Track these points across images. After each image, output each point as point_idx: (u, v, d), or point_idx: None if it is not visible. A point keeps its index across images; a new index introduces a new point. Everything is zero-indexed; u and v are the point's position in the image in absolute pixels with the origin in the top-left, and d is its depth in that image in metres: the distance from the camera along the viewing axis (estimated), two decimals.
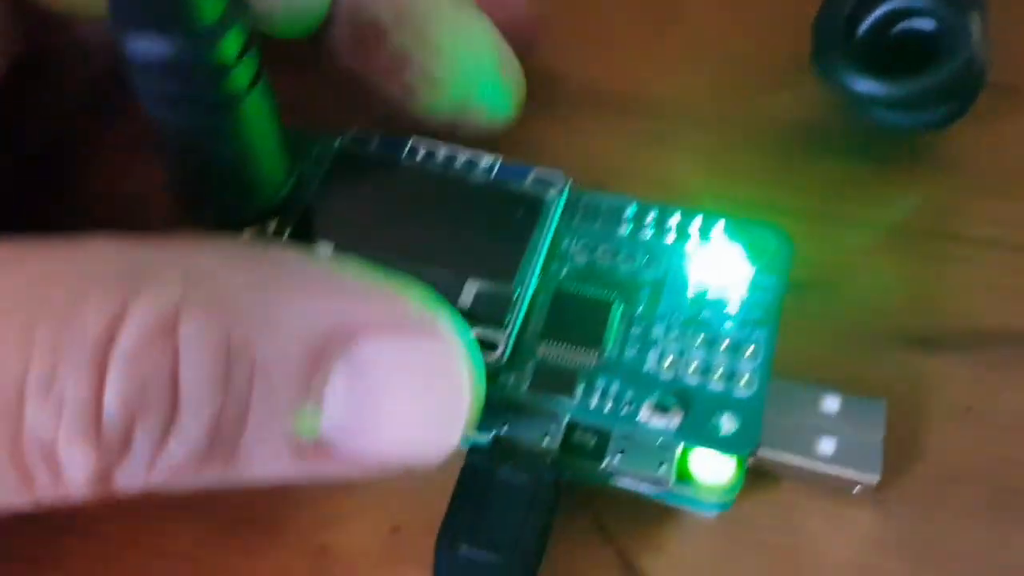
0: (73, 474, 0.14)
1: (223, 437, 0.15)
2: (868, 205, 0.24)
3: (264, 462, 0.15)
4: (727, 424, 0.18)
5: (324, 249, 0.19)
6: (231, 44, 0.16)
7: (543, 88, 0.25)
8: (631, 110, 0.26)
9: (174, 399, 0.14)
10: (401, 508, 0.20)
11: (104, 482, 0.15)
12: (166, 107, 0.16)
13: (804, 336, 0.22)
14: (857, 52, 0.24)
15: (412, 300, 0.16)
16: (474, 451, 0.18)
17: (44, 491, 0.15)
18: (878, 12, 0.24)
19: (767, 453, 0.19)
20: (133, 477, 0.15)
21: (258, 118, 0.17)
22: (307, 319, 0.15)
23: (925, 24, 0.24)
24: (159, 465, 0.15)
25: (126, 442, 0.14)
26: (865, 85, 0.23)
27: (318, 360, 0.15)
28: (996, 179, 0.25)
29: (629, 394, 0.18)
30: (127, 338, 0.14)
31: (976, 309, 0.23)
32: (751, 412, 0.18)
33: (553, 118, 0.26)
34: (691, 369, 0.18)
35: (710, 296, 0.19)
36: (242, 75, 0.17)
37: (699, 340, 0.19)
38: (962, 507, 0.20)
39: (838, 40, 0.24)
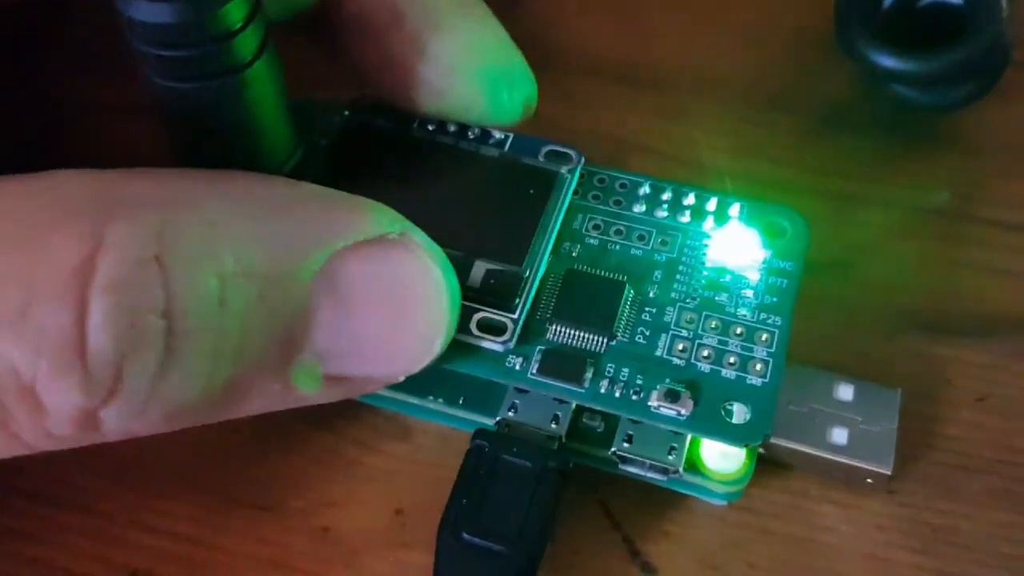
0: (56, 414, 0.13)
1: (221, 369, 0.14)
2: (888, 185, 0.24)
3: (262, 392, 0.15)
4: (739, 414, 0.17)
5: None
6: (235, 10, 0.15)
7: (557, 61, 0.25)
8: (648, 83, 0.26)
9: (169, 331, 0.13)
10: (405, 490, 0.20)
11: (91, 423, 0.14)
12: (169, 74, 0.16)
13: (820, 317, 0.21)
14: (882, 26, 0.23)
15: (384, 217, 0.16)
16: (479, 434, 0.18)
17: (25, 433, 0.14)
18: None
19: (779, 441, 0.19)
20: (125, 418, 0.14)
21: (264, 87, 0.17)
22: (293, 239, 0.15)
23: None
24: (154, 404, 0.14)
25: (116, 379, 0.13)
26: (887, 60, 0.23)
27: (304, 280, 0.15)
28: (1019, 160, 0.24)
29: (639, 380, 0.18)
30: (108, 267, 0.13)
31: (992, 294, 0.22)
32: (764, 402, 0.17)
33: (566, 91, 0.25)
34: (703, 355, 0.18)
35: (724, 280, 0.19)
36: (247, 43, 0.16)
37: (712, 325, 0.18)
38: (975, 498, 0.20)
39: (862, 14, 0.23)
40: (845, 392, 0.20)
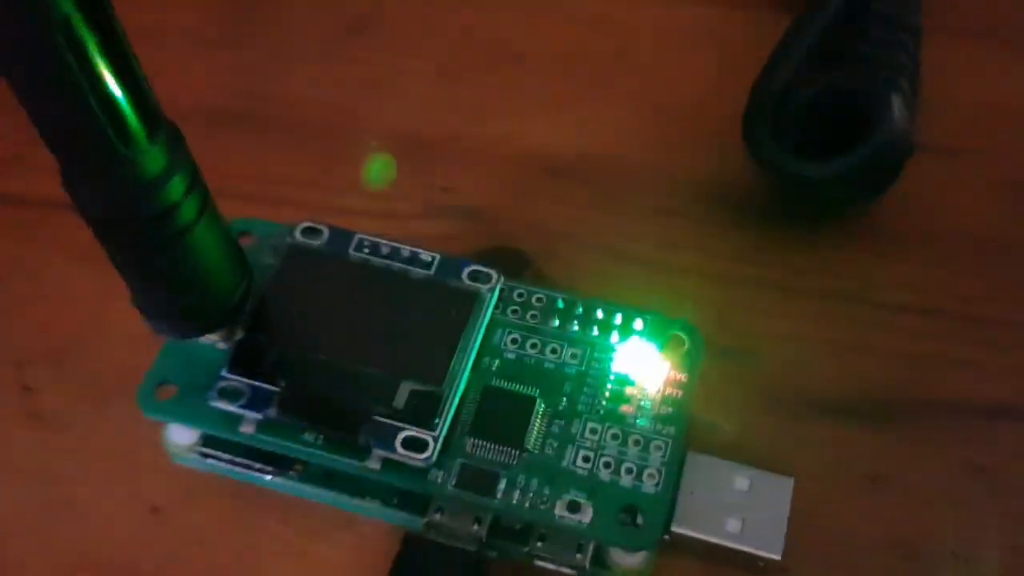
0: None
1: None
2: (796, 273, 0.26)
3: None
4: (632, 520, 0.19)
5: None
6: (175, 189, 0.18)
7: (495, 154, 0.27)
8: (578, 176, 0.28)
9: None
10: None
11: None
12: (117, 245, 0.18)
13: (723, 402, 0.23)
14: (789, 130, 0.25)
15: None
16: (407, 540, 0.20)
17: None
18: (806, 92, 0.25)
19: (681, 530, 0.21)
20: None
21: (205, 244, 0.19)
22: None
23: (851, 103, 0.25)
24: None
25: None
26: (791, 166, 0.25)
27: None
28: (918, 245, 0.26)
29: (546, 491, 0.20)
30: None
31: (888, 376, 0.24)
32: (655, 508, 0.20)
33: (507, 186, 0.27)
34: (604, 464, 0.20)
35: (626, 391, 0.21)
36: (187, 212, 0.18)
37: (613, 435, 0.20)
38: (864, 575, 0.22)
39: (766, 123, 0.25)
40: (741, 482, 0.22)
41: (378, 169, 0.28)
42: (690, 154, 0.28)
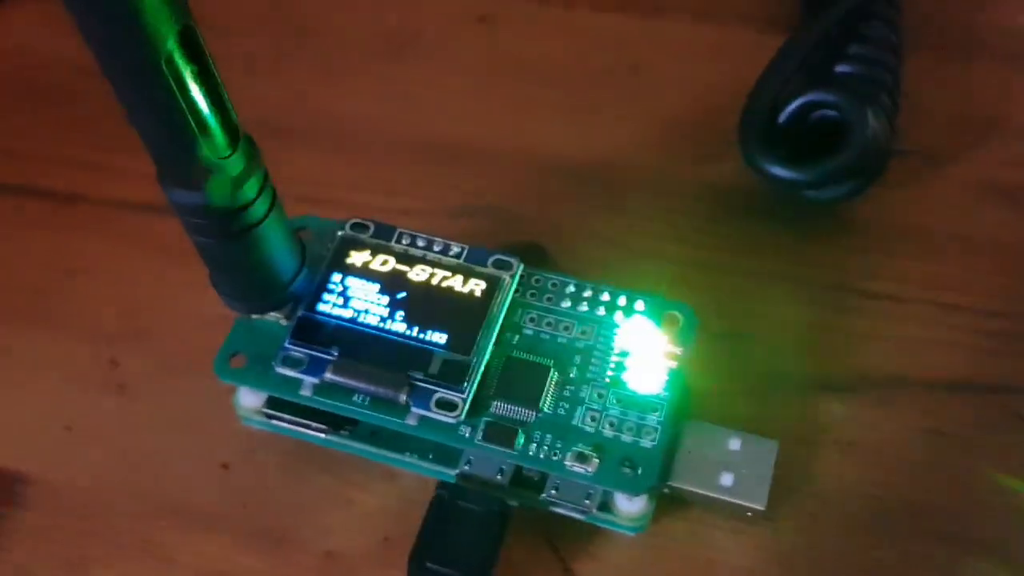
0: None
1: None
2: (786, 264, 0.29)
3: None
4: (630, 470, 0.23)
5: None
6: (250, 189, 0.21)
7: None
8: (593, 180, 0.31)
9: None
10: (391, 522, 0.26)
11: None
12: (203, 234, 0.22)
13: (721, 380, 0.27)
14: (779, 138, 0.29)
15: None
16: (441, 486, 0.24)
17: None
18: (793, 105, 0.29)
19: (680, 484, 0.24)
20: None
21: (273, 235, 0.23)
22: None
23: (833, 114, 0.29)
24: None
25: None
26: (779, 171, 0.28)
27: None
28: (896, 239, 0.29)
29: (559, 445, 0.23)
30: None
31: (865, 356, 0.28)
32: (651, 460, 0.23)
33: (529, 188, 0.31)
34: (609, 424, 0.23)
35: (628, 362, 0.24)
36: (259, 208, 0.22)
37: (616, 399, 0.24)
38: (840, 525, 0.25)
39: (759, 130, 0.28)
40: (734, 444, 0.25)
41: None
42: (694, 160, 0.31)
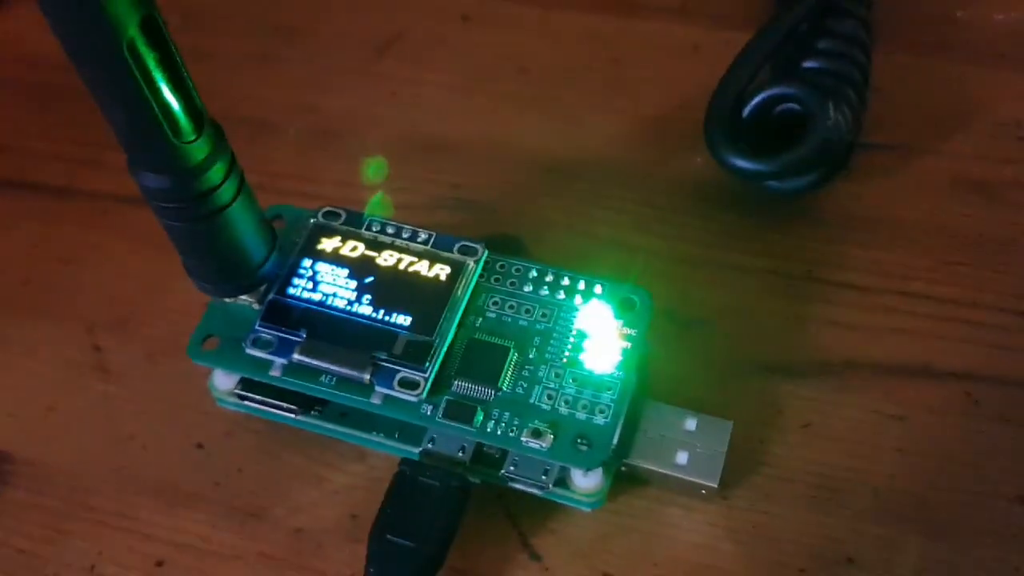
0: None
1: None
2: (751, 255, 0.30)
3: None
4: (584, 446, 0.24)
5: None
6: (216, 173, 0.22)
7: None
8: (569, 174, 0.32)
9: None
10: (360, 500, 0.26)
11: None
12: (172, 218, 0.23)
13: (684, 364, 0.28)
14: (744, 132, 0.29)
15: None
16: (403, 462, 0.25)
17: None
18: (757, 99, 0.29)
19: (636, 462, 0.25)
20: None
21: (241, 219, 0.24)
22: None
23: (796, 107, 0.29)
24: None
25: None
26: (743, 163, 0.29)
27: None
28: (861, 230, 0.30)
29: (516, 422, 0.24)
30: None
31: (826, 342, 0.28)
32: (603, 436, 0.24)
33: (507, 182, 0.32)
34: (564, 402, 0.24)
35: (585, 344, 0.25)
36: (226, 193, 0.23)
37: (573, 378, 0.25)
38: (789, 502, 0.26)
39: (724, 123, 0.29)
40: (690, 424, 0.26)
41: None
42: (665, 155, 0.32)
